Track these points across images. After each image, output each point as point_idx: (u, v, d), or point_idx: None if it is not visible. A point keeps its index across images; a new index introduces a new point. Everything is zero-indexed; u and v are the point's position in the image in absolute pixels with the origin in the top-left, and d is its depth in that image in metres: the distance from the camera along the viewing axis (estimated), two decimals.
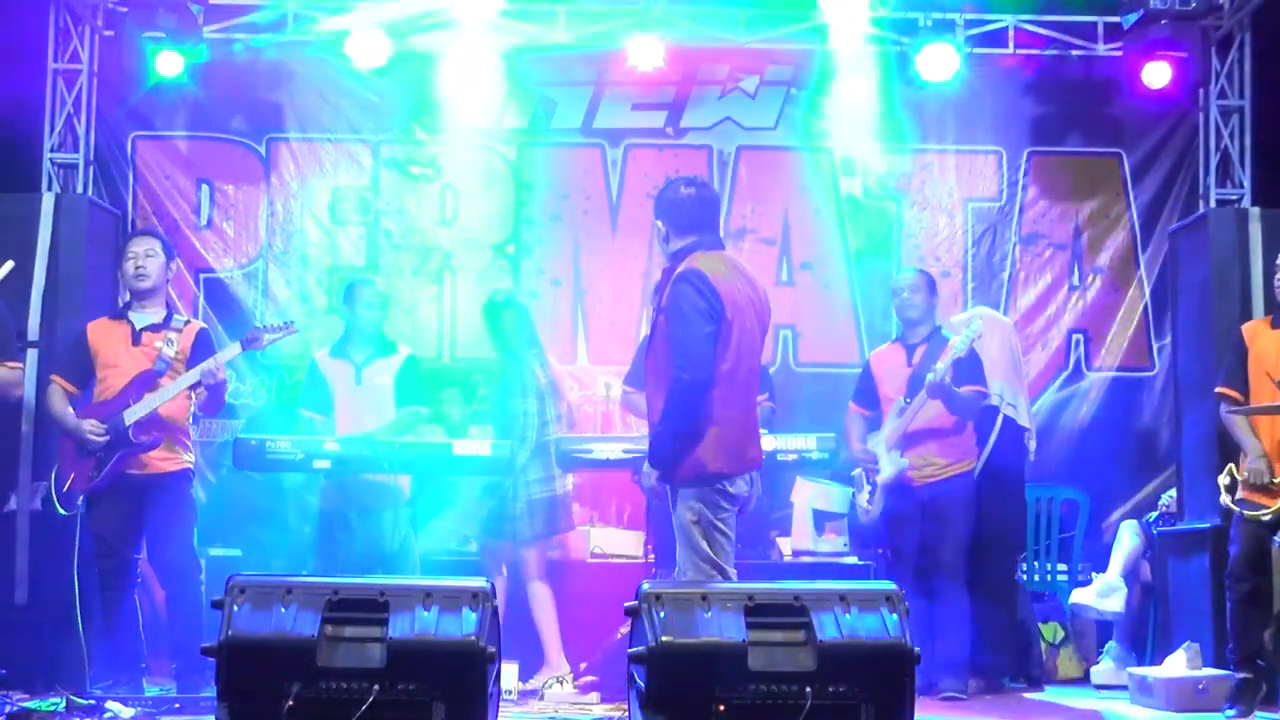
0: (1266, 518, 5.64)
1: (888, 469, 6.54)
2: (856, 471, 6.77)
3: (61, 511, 5.97)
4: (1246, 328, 6.08)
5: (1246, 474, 5.75)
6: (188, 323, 6.27)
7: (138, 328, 6.12)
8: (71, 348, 6.24)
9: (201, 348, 6.17)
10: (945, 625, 6.44)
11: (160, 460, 6.03)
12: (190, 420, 6.25)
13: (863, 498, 6.70)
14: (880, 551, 6.85)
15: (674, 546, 5.82)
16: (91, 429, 5.92)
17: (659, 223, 4.95)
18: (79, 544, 5.96)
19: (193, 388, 6.03)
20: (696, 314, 4.69)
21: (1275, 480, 5.68)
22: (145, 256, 6.17)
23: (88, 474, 5.95)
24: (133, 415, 5.94)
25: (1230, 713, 5.68)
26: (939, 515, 6.51)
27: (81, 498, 5.99)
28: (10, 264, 5.99)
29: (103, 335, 6.14)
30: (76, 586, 5.93)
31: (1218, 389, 6.06)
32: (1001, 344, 6.88)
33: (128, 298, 6.28)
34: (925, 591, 6.51)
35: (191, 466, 6.21)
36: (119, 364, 6.05)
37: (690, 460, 4.74)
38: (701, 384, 4.70)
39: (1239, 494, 5.79)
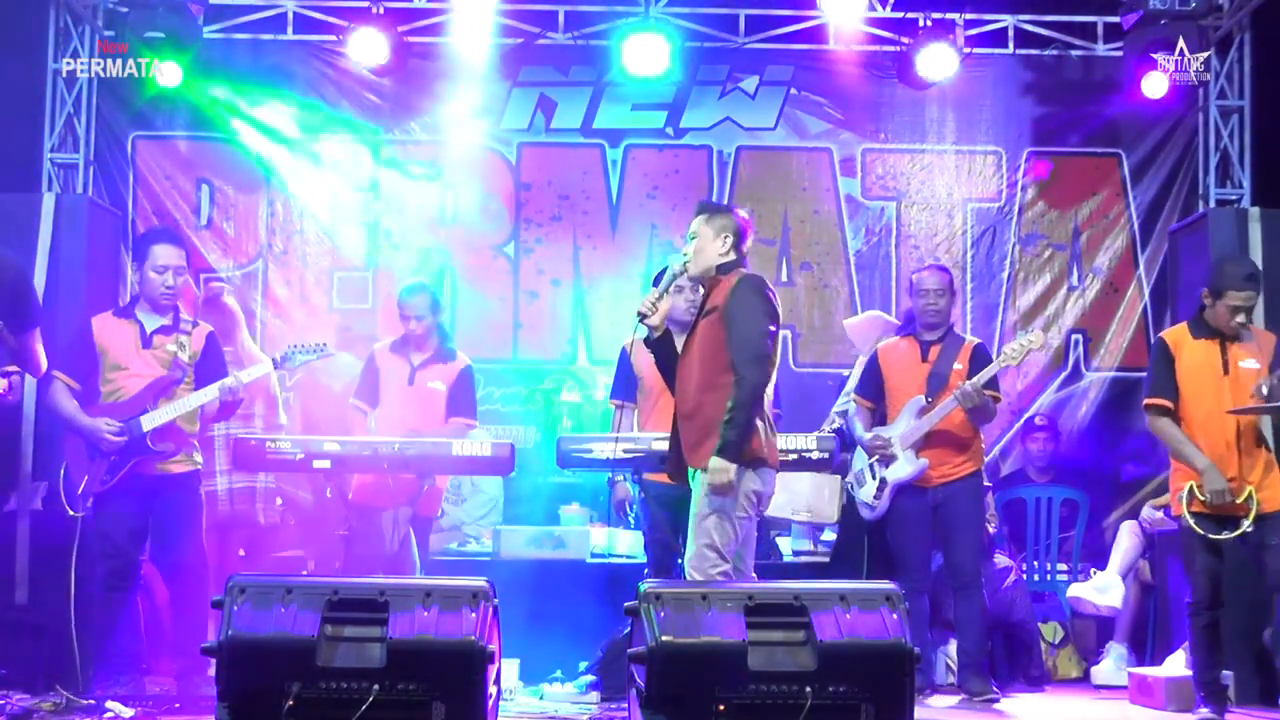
0: (1226, 537, 5.59)
1: (906, 468, 6.40)
2: (858, 467, 6.59)
3: (71, 512, 5.95)
4: (1169, 336, 5.86)
5: (1208, 495, 5.57)
6: (196, 325, 6.24)
7: (148, 330, 6.07)
8: (75, 342, 6.14)
9: (211, 351, 6.18)
10: (965, 626, 6.38)
11: (171, 461, 6.01)
12: (197, 422, 6.22)
13: (866, 493, 6.51)
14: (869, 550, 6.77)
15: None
16: (109, 428, 5.88)
17: (727, 228, 5.16)
18: (80, 544, 5.94)
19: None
20: (762, 315, 5.03)
21: (1239, 499, 5.56)
22: (176, 275, 6.10)
23: (100, 475, 5.90)
24: (150, 422, 5.91)
25: (1204, 711, 5.71)
26: (953, 515, 6.37)
27: (90, 498, 5.96)
28: None
29: (111, 334, 6.07)
30: (73, 587, 5.92)
31: (1147, 400, 5.82)
32: None
33: (134, 293, 6.22)
34: (934, 592, 6.52)
35: (200, 467, 6.19)
36: (130, 366, 6.01)
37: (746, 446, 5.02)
38: (765, 378, 5.04)
39: (1194, 509, 5.62)
